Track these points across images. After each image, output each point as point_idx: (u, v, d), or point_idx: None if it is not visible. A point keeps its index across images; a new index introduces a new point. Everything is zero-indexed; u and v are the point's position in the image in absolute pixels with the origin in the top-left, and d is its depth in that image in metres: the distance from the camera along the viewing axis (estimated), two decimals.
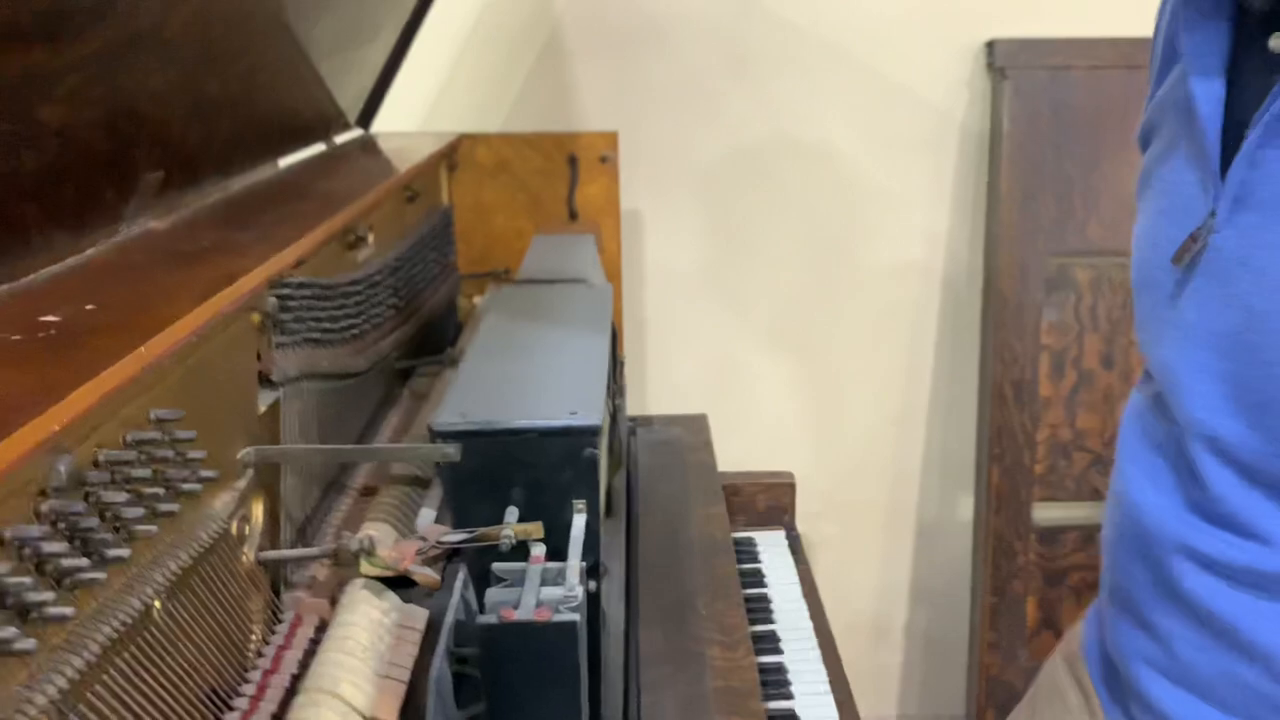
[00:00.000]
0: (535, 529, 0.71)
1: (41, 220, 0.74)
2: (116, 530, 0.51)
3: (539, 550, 0.71)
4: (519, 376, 0.86)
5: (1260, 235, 0.64)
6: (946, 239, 1.98)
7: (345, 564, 0.71)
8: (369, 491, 0.90)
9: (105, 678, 0.49)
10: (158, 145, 0.88)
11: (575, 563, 0.68)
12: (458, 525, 0.75)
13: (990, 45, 1.90)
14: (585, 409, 0.77)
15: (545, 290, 1.11)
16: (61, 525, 0.47)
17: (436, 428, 0.74)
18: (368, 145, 1.48)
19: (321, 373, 0.87)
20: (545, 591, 0.65)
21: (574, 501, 0.75)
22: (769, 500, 1.72)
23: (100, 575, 0.49)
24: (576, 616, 0.62)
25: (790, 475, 1.62)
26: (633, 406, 1.62)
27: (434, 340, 1.42)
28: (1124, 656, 0.81)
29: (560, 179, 1.72)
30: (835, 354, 2.02)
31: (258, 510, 0.72)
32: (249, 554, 0.69)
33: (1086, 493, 1.98)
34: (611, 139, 1.71)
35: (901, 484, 2.09)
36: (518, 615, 0.61)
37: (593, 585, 0.76)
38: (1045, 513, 2.02)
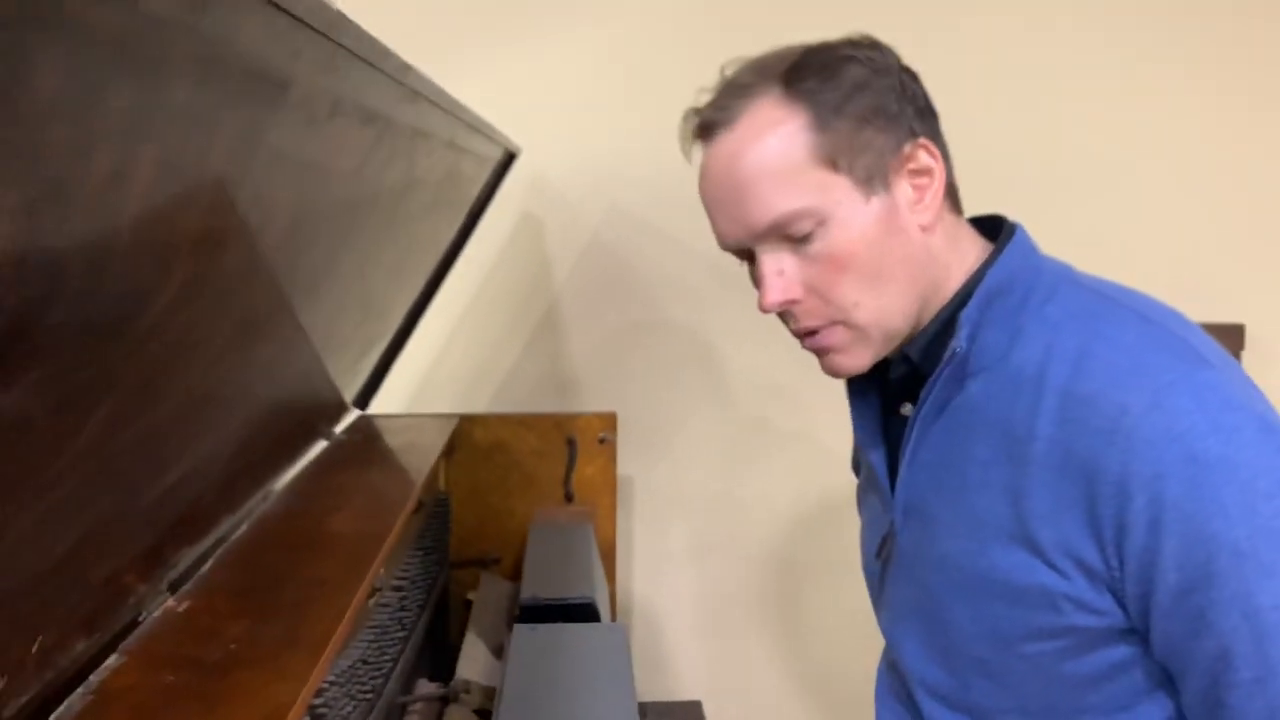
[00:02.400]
0: None
1: (67, 625, 0.69)
2: None
3: None
4: None
5: (921, 534, 0.89)
6: None
7: None
8: None
9: None
10: (186, 518, 0.84)
11: None
12: None
13: None
14: None
15: (561, 635, 1.07)
16: None
17: None
18: (369, 436, 1.45)
19: None
20: None
21: None
22: None
23: None
24: None
25: None
26: None
27: (427, 651, 1.35)
28: None
29: (556, 459, 1.69)
30: (825, 633, 1.96)
31: None
32: None
33: None
34: (610, 419, 1.70)
35: None
36: None
37: None
38: None
